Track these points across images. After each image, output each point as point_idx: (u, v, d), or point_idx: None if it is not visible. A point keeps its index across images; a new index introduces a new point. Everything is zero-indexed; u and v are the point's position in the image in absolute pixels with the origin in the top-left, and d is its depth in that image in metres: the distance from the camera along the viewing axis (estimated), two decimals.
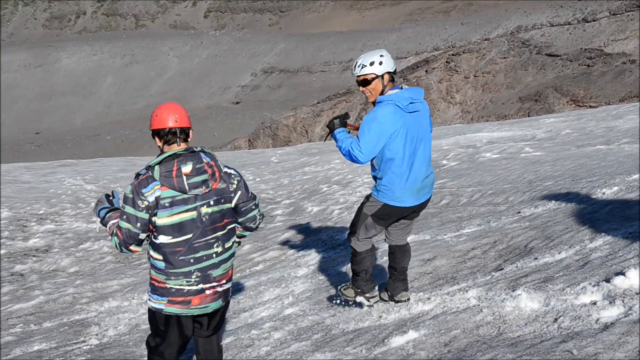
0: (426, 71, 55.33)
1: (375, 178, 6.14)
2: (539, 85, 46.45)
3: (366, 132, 5.75)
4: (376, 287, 6.64)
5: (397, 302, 6.55)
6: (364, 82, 5.93)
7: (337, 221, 12.32)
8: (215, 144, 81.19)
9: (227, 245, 4.98)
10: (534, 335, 4.79)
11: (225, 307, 5.19)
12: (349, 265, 6.78)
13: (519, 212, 9.01)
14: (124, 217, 4.75)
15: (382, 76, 5.87)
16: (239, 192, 4.99)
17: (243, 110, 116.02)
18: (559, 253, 6.56)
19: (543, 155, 14.80)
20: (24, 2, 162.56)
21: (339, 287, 6.87)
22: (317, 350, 5.90)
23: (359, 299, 6.62)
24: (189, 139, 4.90)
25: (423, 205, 6.21)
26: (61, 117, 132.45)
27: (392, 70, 5.87)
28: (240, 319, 7.74)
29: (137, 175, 4.82)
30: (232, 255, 5.08)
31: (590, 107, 38.14)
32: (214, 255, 4.88)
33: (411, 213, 6.21)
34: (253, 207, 5.13)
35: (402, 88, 5.92)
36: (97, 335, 8.31)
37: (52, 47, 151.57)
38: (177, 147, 4.82)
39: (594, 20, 72.74)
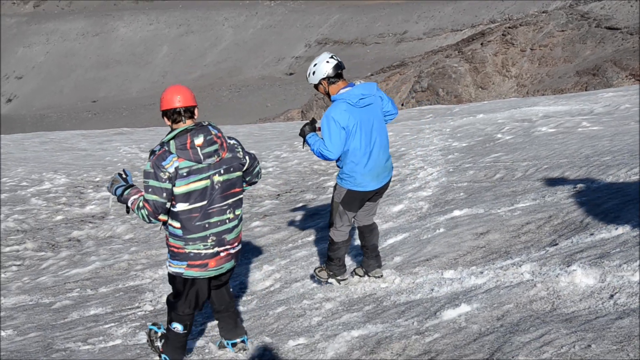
0: (482, 44, 54.60)
1: (339, 167, 6.75)
2: (598, 59, 45.51)
3: (327, 132, 6.42)
4: (346, 271, 7.39)
5: (370, 277, 7.23)
6: (315, 87, 6.72)
7: (389, 193, 12.28)
8: (268, 115, 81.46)
9: (237, 212, 5.53)
10: (588, 311, 4.73)
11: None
12: (328, 251, 7.28)
13: (575, 187, 8.87)
14: (150, 190, 5.18)
15: (319, 83, 6.62)
16: (247, 158, 5.60)
17: (296, 82, 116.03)
18: (616, 229, 6.45)
19: (601, 129, 14.53)
20: None
21: (314, 269, 7.46)
22: (369, 321, 5.90)
23: (331, 280, 7.31)
24: (194, 117, 5.39)
25: (384, 187, 6.88)
26: (117, 86, 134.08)
27: (325, 76, 6.56)
28: (292, 288, 7.78)
29: (152, 152, 5.27)
30: (241, 220, 5.63)
31: None
32: (227, 220, 5.42)
33: (374, 195, 6.87)
34: (256, 164, 5.76)
35: (354, 85, 6.59)
36: (151, 301, 8.44)
37: (110, 16, 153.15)
38: (184, 125, 5.29)
39: None
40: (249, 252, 10.18)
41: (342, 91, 6.53)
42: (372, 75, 65.58)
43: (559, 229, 7.26)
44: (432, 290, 6.32)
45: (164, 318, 7.56)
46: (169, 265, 5.49)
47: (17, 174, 19.09)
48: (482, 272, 6.36)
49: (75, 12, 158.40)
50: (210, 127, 5.34)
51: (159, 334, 6.09)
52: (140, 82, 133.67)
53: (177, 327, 5.60)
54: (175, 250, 5.39)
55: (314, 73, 6.60)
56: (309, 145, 6.67)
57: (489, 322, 5.07)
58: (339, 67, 6.56)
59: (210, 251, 5.37)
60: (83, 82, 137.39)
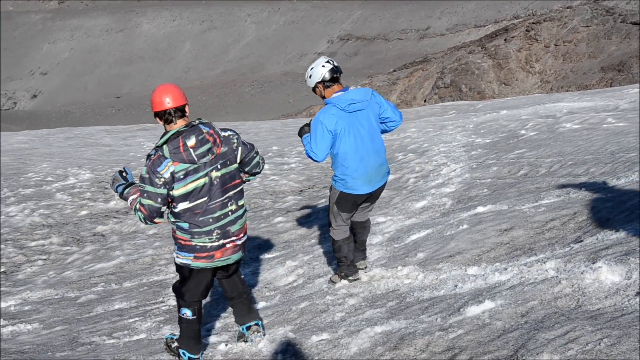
0: (505, 40, 54.34)
1: (334, 169, 6.99)
2: (623, 55, 45.15)
3: (313, 134, 6.68)
4: (358, 270, 7.49)
5: (357, 268, 7.51)
6: (313, 90, 6.94)
7: (413, 190, 12.26)
8: (290, 111, 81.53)
9: (240, 202, 5.70)
10: (614, 308, 4.70)
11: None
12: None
13: (600, 184, 8.81)
14: (145, 195, 5.38)
15: (315, 87, 6.83)
16: (240, 148, 5.66)
17: None
18: None
19: (627, 126, 14.40)
20: None
21: (330, 278, 7.69)
22: (392, 317, 5.90)
23: (344, 282, 7.44)
24: (185, 115, 5.51)
25: (378, 191, 7.09)
26: (141, 82, 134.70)
27: (320, 80, 6.76)
28: (315, 284, 7.79)
29: (149, 156, 5.42)
30: (245, 211, 5.81)
31: None
32: (230, 213, 5.59)
33: (368, 198, 7.06)
34: (254, 155, 5.83)
35: (348, 89, 6.78)
36: (175, 296, 8.48)
37: (133, 12, 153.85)
38: (175, 125, 5.42)
39: None
40: (271, 248, 10.21)
41: (334, 95, 6.75)
42: (394, 71, 65.48)
43: (584, 226, 7.22)
44: (456, 286, 6.30)
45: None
46: (177, 257, 5.68)
47: (42, 169, 19.25)
48: (506, 269, 6.34)
49: (99, 9, 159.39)
50: (201, 126, 5.47)
51: (175, 339, 6.20)
52: (163, 78, 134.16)
53: (186, 312, 5.79)
54: (183, 242, 5.57)
55: (310, 77, 6.82)
56: (304, 145, 6.87)
57: (513, 319, 5.05)
58: (334, 72, 6.76)
59: (216, 244, 5.56)
60: (107, 78, 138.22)
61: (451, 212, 9.71)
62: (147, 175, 5.34)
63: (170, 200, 5.44)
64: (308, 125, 6.94)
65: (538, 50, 51.53)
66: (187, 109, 5.51)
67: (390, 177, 14.14)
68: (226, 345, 6.25)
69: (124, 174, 5.78)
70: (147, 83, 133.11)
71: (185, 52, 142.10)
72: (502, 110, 24.36)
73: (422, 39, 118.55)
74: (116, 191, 5.75)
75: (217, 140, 5.48)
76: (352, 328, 5.89)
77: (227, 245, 5.61)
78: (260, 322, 6.19)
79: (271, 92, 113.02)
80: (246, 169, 5.80)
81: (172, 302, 8.27)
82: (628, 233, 6.34)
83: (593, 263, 5.57)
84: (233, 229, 5.62)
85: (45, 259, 11.66)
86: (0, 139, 28.05)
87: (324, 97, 6.85)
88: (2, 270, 11.06)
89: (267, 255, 9.82)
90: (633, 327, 4.23)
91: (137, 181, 5.53)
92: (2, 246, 12.28)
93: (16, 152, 23.25)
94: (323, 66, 6.76)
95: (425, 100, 53.54)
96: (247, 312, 6.14)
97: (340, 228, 7.15)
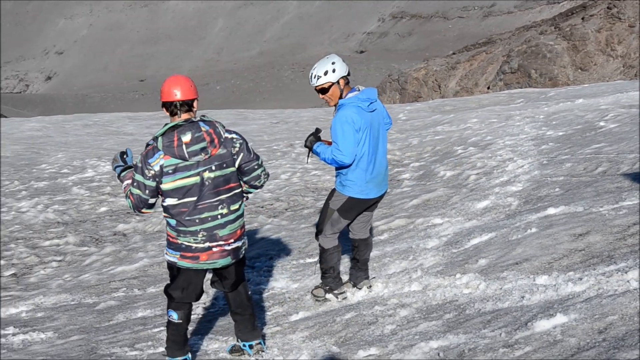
0: (583, 18, 53.74)
1: (339, 174, 7.33)
2: None
3: (341, 135, 6.96)
4: (344, 284, 7.87)
5: (359, 288, 7.83)
6: (322, 90, 7.13)
7: (474, 188, 12.22)
8: None
9: (233, 207, 6.07)
10: None
11: (239, 264, 6.32)
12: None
13: None
14: (135, 184, 5.90)
15: (337, 82, 7.07)
16: (241, 155, 6.07)
17: (368, 61, 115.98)
18: None
19: None
20: None
21: (311, 291, 8.01)
22: (449, 331, 5.90)
23: (329, 296, 7.78)
24: (193, 109, 5.96)
25: (382, 197, 7.55)
26: (167, 64, 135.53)
27: (345, 74, 7.09)
28: (362, 292, 7.80)
29: (147, 145, 5.91)
30: (240, 216, 6.18)
31: None
32: (219, 216, 5.98)
33: (372, 205, 7.51)
34: (256, 166, 6.21)
35: (358, 90, 7.18)
36: (204, 303, 8.53)
37: None
38: (178, 118, 5.88)
39: None
40: (313, 251, 10.23)
41: (349, 95, 7.11)
42: (454, 54, 65.18)
43: None
44: (523, 297, 6.28)
45: (219, 323, 7.68)
46: (166, 253, 6.16)
47: (57, 160, 19.51)
48: (580, 279, 6.30)
49: None
50: (201, 124, 5.88)
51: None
52: (192, 59, 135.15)
53: (173, 315, 6.21)
54: (170, 239, 6.06)
55: (334, 71, 7.02)
56: (317, 154, 7.23)
57: (589, 336, 5.02)
58: None
59: (201, 245, 5.97)
60: (129, 58, 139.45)
61: (518, 214, 9.66)
62: (139, 165, 5.84)
63: (160, 193, 5.91)
64: (314, 134, 7.33)
65: (621, 31, 50.86)
66: (195, 104, 5.96)
67: (449, 173, 14.13)
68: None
69: (125, 156, 6.31)
70: (174, 65, 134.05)
71: (217, 30, 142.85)
72: (578, 99, 24.15)
73: (486, 17, 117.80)
74: (115, 171, 6.29)
75: (215, 140, 5.90)
76: (404, 342, 5.91)
77: (214, 249, 6.01)
78: (262, 341, 6.54)
79: None
80: (244, 179, 6.22)
81: (200, 310, 8.33)
82: None
83: None
84: (221, 233, 6.00)
85: (60, 261, 11.81)
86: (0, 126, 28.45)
87: (340, 96, 7.09)
88: (12, 272, 11.23)
89: (308, 260, 9.85)
90: None
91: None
92: (13, 245, 12.48)
93: (28, 141, 23.60)
94: (343, 60, 7.12)
95: (488, 87, 53.22)
96: (250, 330, 6.48)
97: (333, 236, 7.50)
